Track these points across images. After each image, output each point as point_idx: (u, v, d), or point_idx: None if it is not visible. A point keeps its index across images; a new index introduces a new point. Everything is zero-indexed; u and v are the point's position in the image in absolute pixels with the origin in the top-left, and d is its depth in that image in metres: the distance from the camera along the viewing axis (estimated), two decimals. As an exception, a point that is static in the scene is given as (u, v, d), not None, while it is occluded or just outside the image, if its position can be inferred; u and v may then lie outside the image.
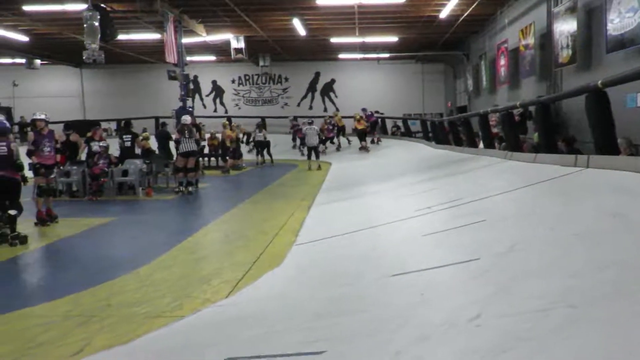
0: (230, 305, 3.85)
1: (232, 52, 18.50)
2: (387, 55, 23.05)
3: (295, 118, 22.07)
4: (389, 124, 23.41)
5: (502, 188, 5.60)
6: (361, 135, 18.93)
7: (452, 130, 13.14)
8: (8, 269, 5.78)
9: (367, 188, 9.43)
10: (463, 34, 19.68)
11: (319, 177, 13.08)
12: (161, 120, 18.79)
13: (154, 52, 20.60)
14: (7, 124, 6.93)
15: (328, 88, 26.09)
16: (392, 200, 7.37)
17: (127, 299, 4.35)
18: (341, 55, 23.66)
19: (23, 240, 6.46)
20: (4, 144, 6.48)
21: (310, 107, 25.60)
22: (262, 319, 3.07)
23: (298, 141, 20.24)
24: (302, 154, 19.26)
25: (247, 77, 26.06)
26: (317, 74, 25.97)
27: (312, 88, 26.12)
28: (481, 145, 10.21)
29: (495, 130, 10.59)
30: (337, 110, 23.79)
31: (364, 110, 20.24)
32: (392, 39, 19.97)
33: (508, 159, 7.34)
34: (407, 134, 20.82)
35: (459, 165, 8.86)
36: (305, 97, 26.14)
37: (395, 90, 25.21)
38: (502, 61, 15.94)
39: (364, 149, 18.68)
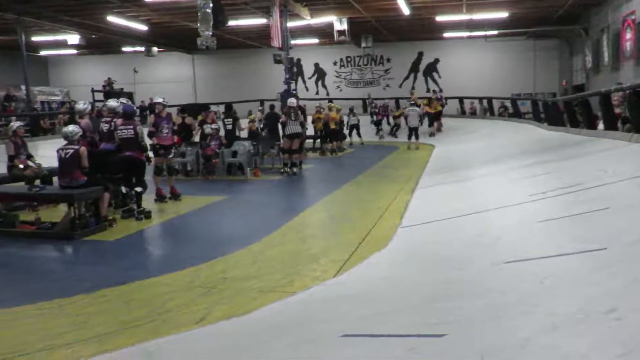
0: (340, 284, 3.94)
1: (335, 35, 18.58)
2: (495, 32, 21.93)
3: (372, 100, 21.97)
4: (495, 104, 22.39)
5: (627, 173, 5.15)
6: (433, 119, 18.85)
7: (567, 111, 12.26)
8: (136, 241, 6.34)
9: (474, 171, 9.12)
10: (582, 7, 18.17)
11: (422, 160, 12.85)
12: (270, 103, 19.51)
13: (260, 36, 21.24)
14: (134, 108, 7.54)
15: (431, 68, 25.43)
16: (502, 185, 7.07)
17: (242, 274, 4.60)
18: (446, 34, 22.90)
19: (148, 215, 7.04)
20: (131, 126, 7.05)
21: (413, 88, 25.13)
22: (373, 299, 3.12)
23: (379, 121, 20.41)
24: (377, 134, 19.44)
25: (348, 59, 26.10)
26: (420, 54, 25.39)
27: (414, 69, 25.61)
28: (601, 126, 9.43)
29: (617, 110, 9.72)
30: (440, 90, 23.16)
31: (434, 92, 19.98)
32: (502, 15, 18.94)
33: (633, 142, 6.73)
34: (516, 114, 19.77)
35: (576, 148, 8.28)
36: (407, 78, 25.70)
37: (504, 69, 23.98)
38: (628, 35, 14.55)
39: (433, 134, 18.80)
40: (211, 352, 2.93)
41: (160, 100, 8.38)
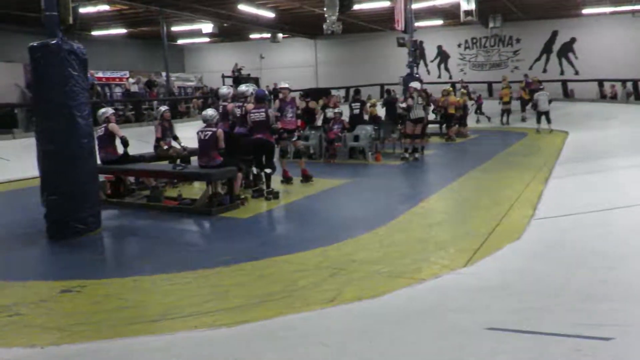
0: (471, 274, 3.82)
1: (462, 15, 17.82)
2: (645, 6, 19.65)
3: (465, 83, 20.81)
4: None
5: None
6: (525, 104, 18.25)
7: None
8: (266, 220, 6.67)
9: (617, 161, 8.33)
10: None
11: (554, 147, 11.99)
12: (386, 88, 19.34)
13: (383, 20, 21.04)
14: (266, 92, 7.86)
15: (567, 48, 23.48)
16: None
17: (370, 257, 4.64)
18: (585, 11, 20.97)
19: (276, 195, 7.34)
20: (262, 110, 7.36)
21: (544, 70, 23.43)
22: (513, 293, 2.98)
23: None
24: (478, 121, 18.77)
25: (474, 40, 24.96)
26: (554, 33, 23.53)
27: (547, 49, 23.81)
28: None
29: None
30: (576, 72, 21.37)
31: (525, 76, 18.59)
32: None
33: None
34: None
35: None
36: (538, 59, 23.99)
37: (654, 47, 21.44)
38: None
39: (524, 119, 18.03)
40: (345, 331, 2.99)
41: (285, 85, 8.62)
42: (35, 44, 5.27)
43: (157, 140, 8.39)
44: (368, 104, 13.09)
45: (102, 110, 7.68)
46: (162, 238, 5.86)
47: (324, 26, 12.70)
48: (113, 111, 8.01)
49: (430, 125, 15.26)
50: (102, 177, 7.15)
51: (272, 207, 7.07)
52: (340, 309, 3.45)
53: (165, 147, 8.36)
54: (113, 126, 7.41)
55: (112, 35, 22.39)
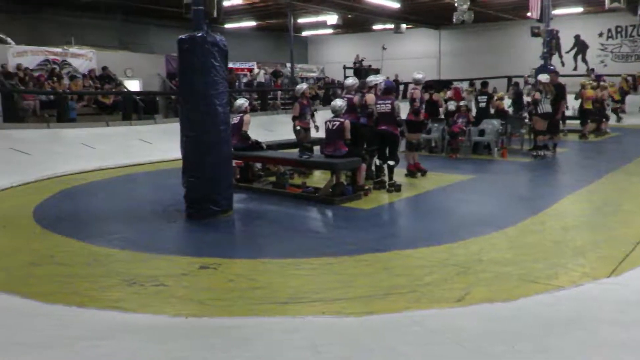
0: (621, 285, 3.50)
1: (606, 1, 16.27)
2: None
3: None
4: None
5: None
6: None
7: None
8: (387, 212, 6.65)
9: None
10: None
11: None
12: (514, 80, 18.28)
13: (515, 8, 19.88)
14: (393, 84, 7.78)
15: None
16: None
17: (498, 258, 4.43)
18: None
19: (398, 188, 7.27)
20: (389, 101, 7.31)
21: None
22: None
23: None
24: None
25: (618, 29, 22.69)
26: None
27: None
28: None
29: None
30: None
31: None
32: None
33: None
34: None
35: None
36: (696, 49, 21.24)
37: None
38: None
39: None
40: (480, 333, 2.88)
41: (420, 76, 8.36)
42: (183, 37, 5.68)
43: (294, 118, 8.55)
44: (495, 97, 12.46)
45: (241, 101, 8.09)
46: (287, 224, 6.07)
47: (454, 16, 12.26)
48: (248, 103, 8.41)
49: (568, 122, 14.23)
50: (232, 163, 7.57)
51: (393, 199, 7.02)
52: (470, 309, 3.33)
53: (298, 127, 8.45)
54: (247, 118, 7.81)
55: (242, 28, 23.52)
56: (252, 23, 23.09)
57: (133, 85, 17.42)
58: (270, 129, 13.45)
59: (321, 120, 8.26)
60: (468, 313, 3.24)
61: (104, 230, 5.63)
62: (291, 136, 9.54)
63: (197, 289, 3.91)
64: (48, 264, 4.49)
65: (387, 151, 7.41)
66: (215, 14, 5.66)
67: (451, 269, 4.17)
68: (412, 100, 8.23)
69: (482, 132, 11.07)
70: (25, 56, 14.97)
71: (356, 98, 7.87)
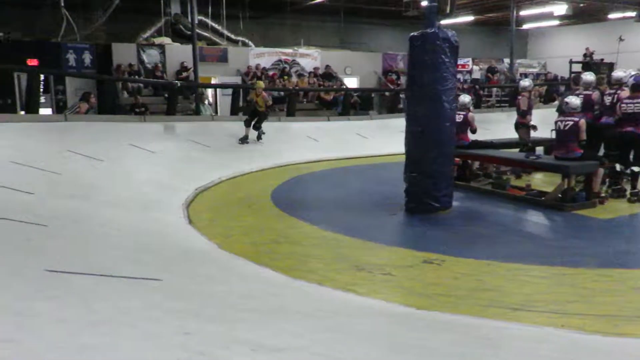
0: None
1: None
2: None
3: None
4: None
5: None
6: None
7: None
8: (630, 224, 5.86)
9: None
10: None
11: None
12: None
13: None
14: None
15: None
16: None
17: None
18: None
19: (642, 198, 6.38)
20: (638, 99, 6.41)
21: None
22: None
23: None
24: None
25: None
26: None
27: None
28: None
29: None
30: None
31: None
32: None
33: None
34: None
35: None
36: None
37: None
38: None
39: None
40: None
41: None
42: (415, 34, 5.77)
43: (522, 113, 8.31)
44: None
45: (466, 98, 7.96)
46: (510, 226, 5.80)
47: None
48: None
49: None
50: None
51: (636, 211, 6.17)
52: None
53: (532, 123, 8.22)
54: (472, 116, 7.65)
55: (458, 23, 23.03)
56: (469, 18, 22.45)
57: (351, 82, 18.37)
58: (486, 127, 12.93)
59: (542, 120, 7.70)
60: None
61: (331, 217, 6.04)
62: (507, 135, 9.08)
63: (424, 282, 3.95)
64: (286, 243, 5.01)
65: (631, 155, 6.54)
66: (447, 10, 5.63)
67: None
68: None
69: None
70: (262, 57, 16.87)
71: (595, 95, 7.10)
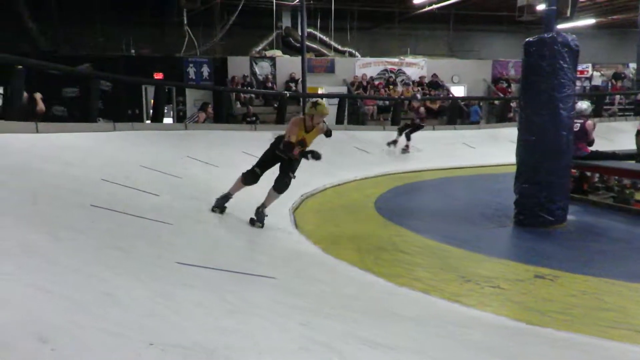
0: None
1: None
2: None
3: None
4: None
5: None
6: None
7: None
8: None
9: None
10: None
11: None
12: None
13: None
14: None
15: None
16: None
17: None
18: None
19: None
20: None
21: None
22: None
23: None
24: None
25: None
26: None
27: None
28: None
29: None
30: None
31: None
32: None
33: None
34: None
35: None
36: None
37: None
38: None
39: None
40: None
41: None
42: (531, 39, 5.56)
43: None
44: None
45: (585, 105, 7.52)
46: (634, 243, 5.35)
47: None
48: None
49: None
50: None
51: None
52: None
53: None
54: (589, 124, 7.20)
55: (577, 27, 21.62)
56: (590, 21, 21.02)
57: (458, 91, 17.96)
58: (609, 137, 12.03)
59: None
60: None
61: (436, 226, 5.97)
62: (631, 146, 8.41)
63: (536, 297, 3.78)
64: (392, 250, 5.03)
65: None
66: (568, 13, 5.36)
67: None
68: None
69: None
70: (368, 67, 17.04)
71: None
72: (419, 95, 13.20)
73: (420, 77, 17.14)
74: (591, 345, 2.83)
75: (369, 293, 3.48)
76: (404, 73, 17.32)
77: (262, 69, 15.71)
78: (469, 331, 2.83)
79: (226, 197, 5.11)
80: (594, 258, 4.88)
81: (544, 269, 4.35)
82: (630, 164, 7.32)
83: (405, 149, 10.84)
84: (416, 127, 10.86)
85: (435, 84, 16.95)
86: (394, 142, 10.80)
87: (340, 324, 2.09)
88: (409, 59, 18.06)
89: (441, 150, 11.34)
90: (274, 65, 15.95)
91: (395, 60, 17.68)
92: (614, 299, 3.74)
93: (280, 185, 5.04)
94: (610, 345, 2.86)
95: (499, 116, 15.48)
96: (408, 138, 10.80)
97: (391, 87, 16.13)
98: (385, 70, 17.19)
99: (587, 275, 4.23)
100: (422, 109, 11.07)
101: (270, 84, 15.25)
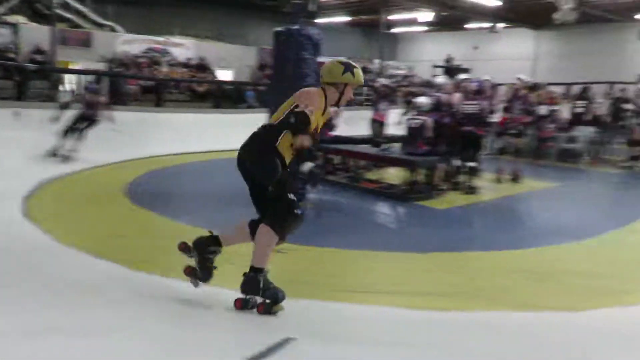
0: None
1: None
2: None
3: None
4: None
5: None
6: None
7: None
8: (462, 214, 6.52)
9: None
10: None
11: None
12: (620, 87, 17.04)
13: (624, 9, 18.59)
14: (485, 84, 7.55)
15: None
16: None
17: (573, 269, 4.31)
18: None
19: (474, 191, 7.15)
20: (476, 102, 7.16)
21: None
22: None
23: None
24: None
25: None
26: None
27: None
28: None
29: None
30: None
31: None
32: None
33: None
34: None
35: None
36: None
37: None
38: None
39: None
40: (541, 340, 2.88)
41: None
42: (280, 29, 5.99)
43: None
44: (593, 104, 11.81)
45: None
46: (361, 217, 6.16)
47: (556, 16, 11.63)
48: None
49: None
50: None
51: (470, 202, 6.91)
52: (534, 315, 3.30)
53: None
54: (334, 110, 8.01)
55: (334, 22, 23.78)
56: (346, 18, 23.29)
57: (226, 75, 18.18)
58: (351, 124, 13.54)
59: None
60: (531, 318, 3.22)
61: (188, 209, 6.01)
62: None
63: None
64: (135, 237, 4.89)
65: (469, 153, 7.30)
66: (311, 8, 5.89)
67: (522, 274, 4.11)
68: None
69: (572, 139, 10.58)
70: (132, 44, 16.11)
71: (445, 97, 7.82)
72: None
73: (187, 59, 16.88)
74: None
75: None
76: (170, 53, 16.85)
77: (1, 36, 13.61)
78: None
79: None
80: (321, 230, 5.45)
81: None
82: (364, 148, 8.38)
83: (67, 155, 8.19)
84: (91, 122, 8.46)
85: (201, 67, 16.88)
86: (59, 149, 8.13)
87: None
88: (176, 39, 17.62)
89: (206, 133, 11.37)
90: (16, 33, 13.95)
91: (161, 39, 17.08)
92: (335, 266, 4.28)
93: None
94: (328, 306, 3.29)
95: (262, 101, 16.15)
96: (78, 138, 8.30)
97: (156, 67, 15.54)
98: (150, 48, 16.49)
99: (312, 246, 4.71)
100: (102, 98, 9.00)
101: (11, 55, 13.30)
